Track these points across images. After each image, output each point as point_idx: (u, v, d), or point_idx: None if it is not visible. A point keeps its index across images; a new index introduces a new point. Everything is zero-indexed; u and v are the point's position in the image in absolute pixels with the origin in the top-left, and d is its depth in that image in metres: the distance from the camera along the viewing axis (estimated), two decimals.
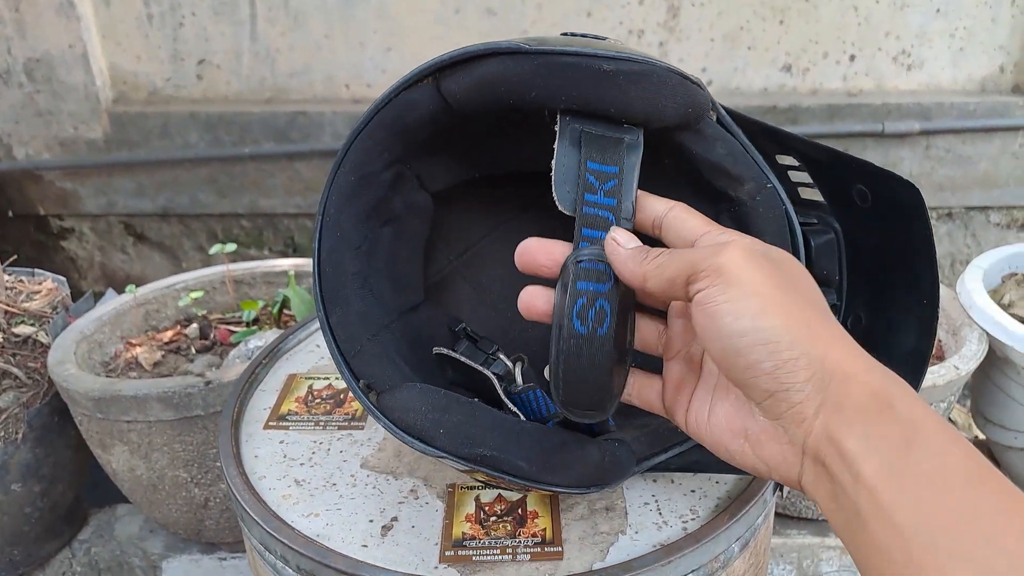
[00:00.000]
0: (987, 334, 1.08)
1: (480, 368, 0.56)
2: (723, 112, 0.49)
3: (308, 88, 1.75)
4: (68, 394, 1.03)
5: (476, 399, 0.52)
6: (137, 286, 1.24)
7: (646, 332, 0.48)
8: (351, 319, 0.52)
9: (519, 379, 0.56)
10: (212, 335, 1.22)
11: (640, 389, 0.49)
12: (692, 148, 0.48)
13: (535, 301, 0.46)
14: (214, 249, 1.23)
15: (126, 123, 1.69)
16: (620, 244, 0.43)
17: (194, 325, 1.23)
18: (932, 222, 1.76)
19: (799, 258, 0.50)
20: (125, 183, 1.74)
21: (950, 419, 1.65)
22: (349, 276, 0.52)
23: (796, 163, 0.52)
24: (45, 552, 1.19)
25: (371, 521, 0.58)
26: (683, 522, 0.57)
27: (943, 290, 1.21)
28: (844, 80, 1.72)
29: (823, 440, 0.34)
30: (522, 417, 0.53)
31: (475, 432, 0.48)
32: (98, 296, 1.28)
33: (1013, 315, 1.14)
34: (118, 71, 1.73)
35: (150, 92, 1.75)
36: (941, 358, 1.12)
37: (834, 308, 0.52)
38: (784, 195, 0.50)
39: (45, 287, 1.25)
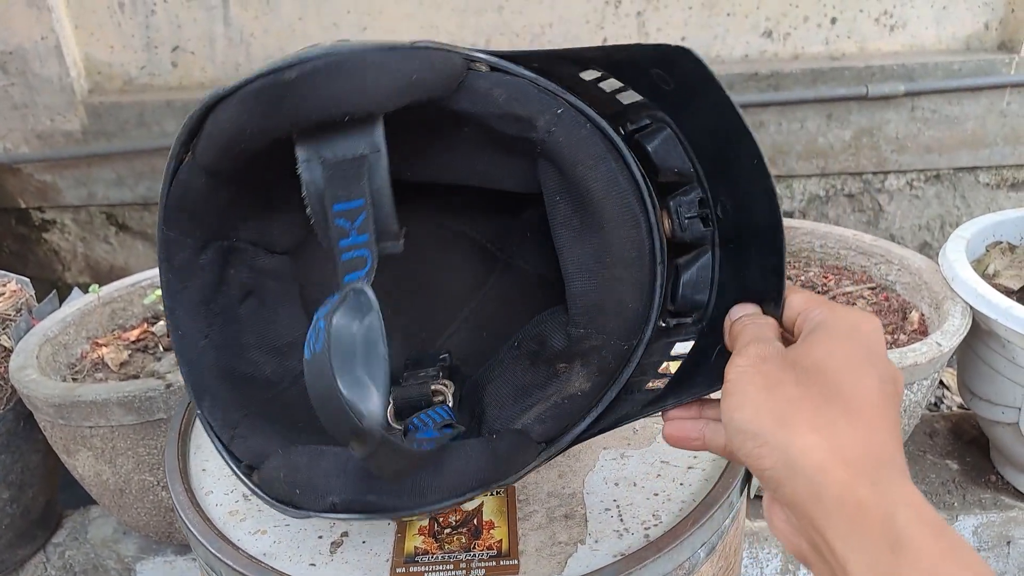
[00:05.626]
0: (970, 307, 1.05)
1: None
2: (492, 59, 0.44)
3: None
4: (30, 400, 1.00)
5: None
6: (121, 277, 1.21)
7: None
8: (219, 405, 0.50)
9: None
10: None
11: (712, 435, 0.47)
12: (470, 109, 0.44)
13: None
14: None
15: (102, 113, 1.68)
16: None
17: (162, 322, 1.19)
18: (919, 185, 1.75)
19: (627, 168, 0.46)
20: (104, 173, 1.73)
21: (940, 382, 1.64)
22: (205, 370, 0.50)
23: (600, 73, 0.48)
24: (18, 557, 1.17)
25: (320, 537, 0.57)
26: (645, 529, 0.56)
27: (925, 261, 1.19)
28: (826, 44, 1.69)
29: (809, 527, 0.35)
30: None
31: (320, 482, 0.46)
32: (64, 295, 1.25)
33: (997, 285, 1.11)
34: (92, 61, 1.71)
35: (125, 81, 1.73)
36: (924, 333, 1.10)
37: (702, 202, 0.48)
38: (589, 111, 0.45)
39: (8, 289, 1.22)
